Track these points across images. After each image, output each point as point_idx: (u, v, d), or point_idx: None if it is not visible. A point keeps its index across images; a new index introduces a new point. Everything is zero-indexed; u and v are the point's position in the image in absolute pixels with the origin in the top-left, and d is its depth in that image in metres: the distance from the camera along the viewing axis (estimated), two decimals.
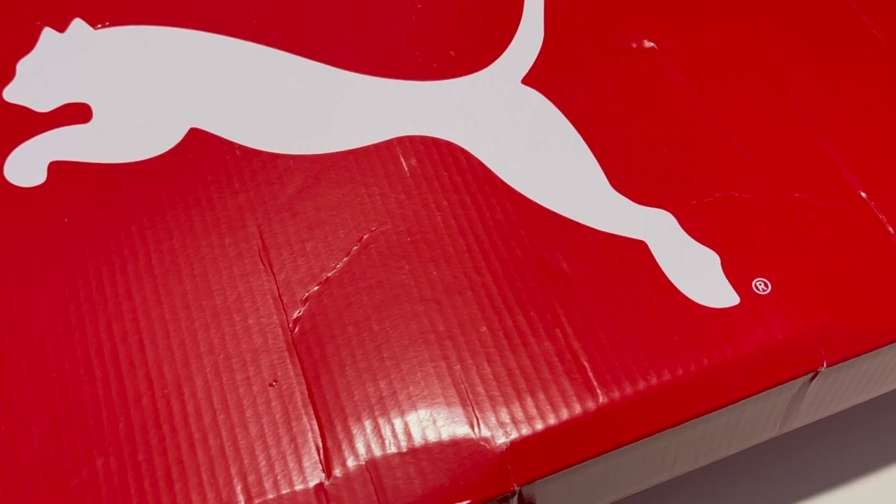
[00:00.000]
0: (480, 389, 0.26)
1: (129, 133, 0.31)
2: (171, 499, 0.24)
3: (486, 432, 0.25)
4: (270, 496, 0.24)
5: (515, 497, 0.25)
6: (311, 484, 0.24)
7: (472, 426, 0.25)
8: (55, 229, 0.29)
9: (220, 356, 0.26)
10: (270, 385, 0.26)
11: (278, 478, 0.24)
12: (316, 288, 0.27)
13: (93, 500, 0.24)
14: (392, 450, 0.25)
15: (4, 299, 0.28)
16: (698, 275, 0.27)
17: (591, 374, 0.26)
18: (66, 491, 0.24)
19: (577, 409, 0.25)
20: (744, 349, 0.26)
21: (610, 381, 0.25)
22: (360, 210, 0.29)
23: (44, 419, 0.25)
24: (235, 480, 0.24)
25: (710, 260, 0.28)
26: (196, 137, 0.31)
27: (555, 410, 0.25)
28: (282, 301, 0.27)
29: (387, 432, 0.25)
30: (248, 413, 0.25)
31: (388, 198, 0.29)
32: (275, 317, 0.27)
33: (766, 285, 0.27)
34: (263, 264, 0.28)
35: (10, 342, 0.27)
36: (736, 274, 0.27)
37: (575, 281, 0.27)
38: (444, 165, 0.30)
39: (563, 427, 0.25)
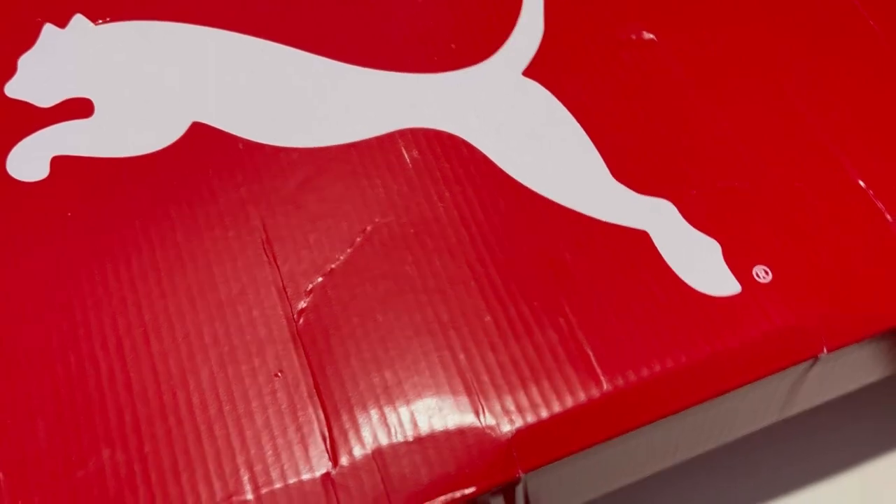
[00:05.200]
0: (485, 378, 0.26)
1: (131, 127, 0.31)
2: (178, 490, 0.24)
3: (491, 420, 0.25)
4: (277, 486, 0.24)
5: (522, 494, 0.25)
6: (318, 473, 0.24)
7: (477, 414, 0.25)
8: (58, 224, 0.29)
9: (226, 348, 0.26)
10: (276, 376, 0.26)
11: (285, 467, 0.25)
12: (320, 279, 0.28)
13: (100, 492, 0.24)
14: (398, 438, 0.25)
15: (9, 294, 0.28)
16: (700, 263, 0.28)
17: (594, 362, 0.26)
18: (73, 482, 0.24)
19: (582, 396, 0.25)
20: (745, 336, 0.26)
21: (613, 369, 0.26)
22: (362, 202, 0.29)
23: (50, 412, 0.26)
24: (242, 470, 0.25)
25: (711, 248, 0.28)
26: (199, 131, 0.31)
27: (559, 398, 0.25)
28: (286, 292, 0.27)
29: (392, 421, 0.25)
30: (254, 403, 0.26)
31: (390, 190, 0.29)
32: (279, 308, 0.27)
33: (766, 273, 0.27)
34: (267, 256, 0.28)
35: (16, 336, 0.27)
36: (737, 262, 0.27)
37: (577, 270, 0.27)
38: (445, 157, 0.30)
39: (567, 414, 0.25)
